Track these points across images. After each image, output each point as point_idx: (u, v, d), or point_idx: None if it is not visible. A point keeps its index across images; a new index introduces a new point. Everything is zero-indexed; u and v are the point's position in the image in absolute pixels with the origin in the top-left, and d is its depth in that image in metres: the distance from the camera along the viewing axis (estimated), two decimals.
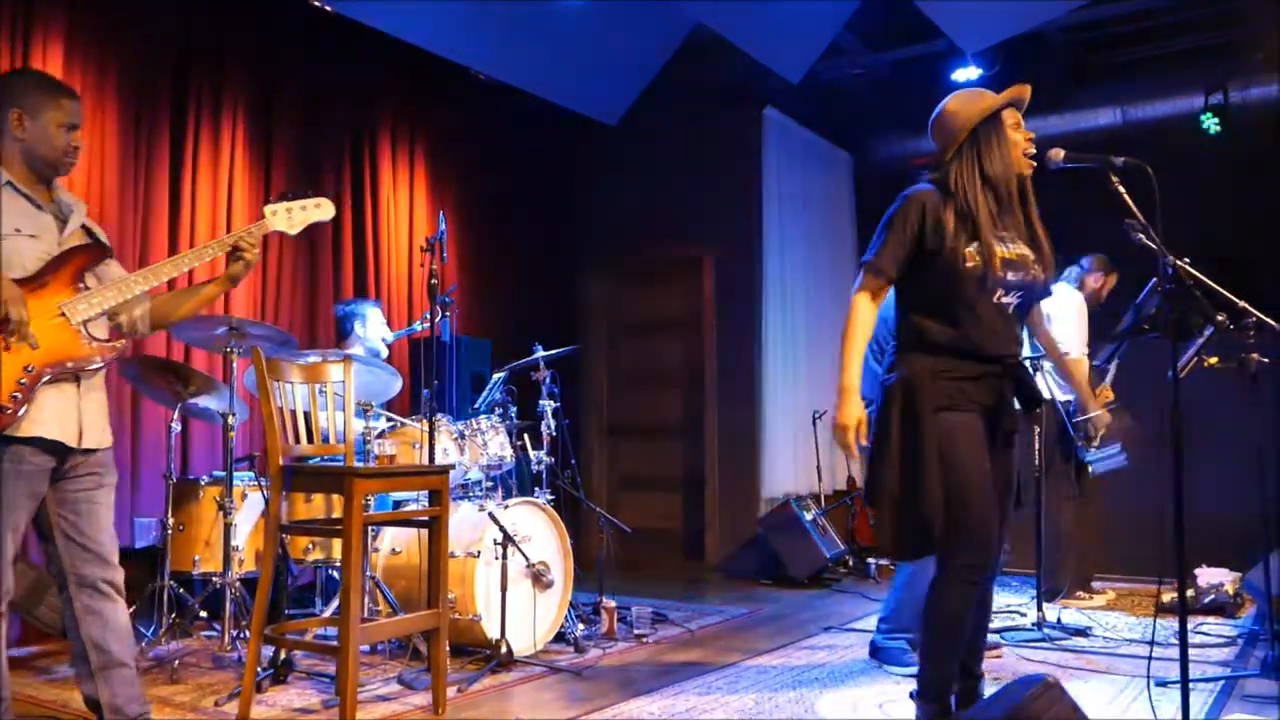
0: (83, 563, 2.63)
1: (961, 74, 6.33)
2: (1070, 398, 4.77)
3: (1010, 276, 2.63)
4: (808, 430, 6.88)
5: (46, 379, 2.49)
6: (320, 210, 3.03)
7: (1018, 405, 2.77)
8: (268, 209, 2.96)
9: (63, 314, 2.54)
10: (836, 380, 2.69)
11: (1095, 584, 5.29)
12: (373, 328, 4.85)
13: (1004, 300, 2.66)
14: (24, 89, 2.64)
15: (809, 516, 6.08)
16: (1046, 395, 4.54)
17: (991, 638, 3.70)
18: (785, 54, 5.98)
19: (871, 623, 4.74)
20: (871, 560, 6.38)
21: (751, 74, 6.50)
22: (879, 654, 3.89)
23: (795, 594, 5.66)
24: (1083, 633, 4.37)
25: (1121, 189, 2.73)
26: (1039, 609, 4.47)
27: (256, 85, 5.41)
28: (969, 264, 2.60)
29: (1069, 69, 6.63)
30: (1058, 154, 2.80)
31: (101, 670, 2.62)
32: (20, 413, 2.44)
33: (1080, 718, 2.10)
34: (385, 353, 4.85)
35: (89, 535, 2.64)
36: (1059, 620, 4.48)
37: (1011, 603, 5.05)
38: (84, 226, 2.74)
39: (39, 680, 3.64)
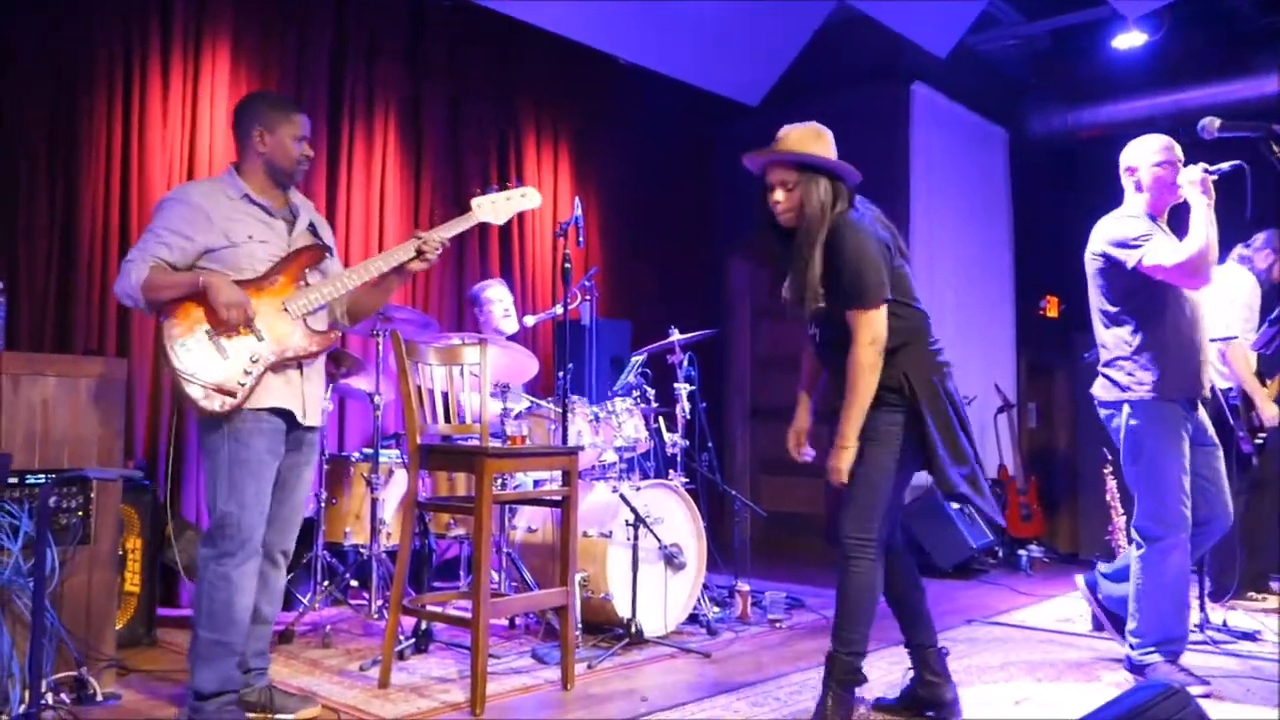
0: (269, 531, 2.89)
1: (1123, 40, 5.94)
2: (1231, 385, 4.45)
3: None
4: None
5: (271, 365, 2.77)
6: (526, 199, 3.15)
7: None
8: (474, 201, 3.10)
9: (285, 309, 2.81)
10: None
11: (1274, 584, 4.92)
12: (495, 308, 4.84)
13: (812, 332, 3.09)
14: (263, 108, 2.90)
15: (955, 505, 5.89)
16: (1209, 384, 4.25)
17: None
18: (931, 27, 5.77)
19: (1018, 616, 4.59)
20: (1023, 552, 6.14)
21: (897, 49, 6.31)
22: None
23: (939, 584, 5.48)
24: (1251, 637, 4.09)
25: None
26: (1202, 609, 4.19)
27: (406, 83, 5.61)
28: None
29: (1245, 32, 6.14)
30: (1213, 123, 2.61)
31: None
32: (247, 396, 2.71)
33: None
34: (508, 332, 4.83)
35: (286, 507, 2.92)
36: (1224, 623, 4.20)
37: None
38: (311, 226, 2.98)
39: None
